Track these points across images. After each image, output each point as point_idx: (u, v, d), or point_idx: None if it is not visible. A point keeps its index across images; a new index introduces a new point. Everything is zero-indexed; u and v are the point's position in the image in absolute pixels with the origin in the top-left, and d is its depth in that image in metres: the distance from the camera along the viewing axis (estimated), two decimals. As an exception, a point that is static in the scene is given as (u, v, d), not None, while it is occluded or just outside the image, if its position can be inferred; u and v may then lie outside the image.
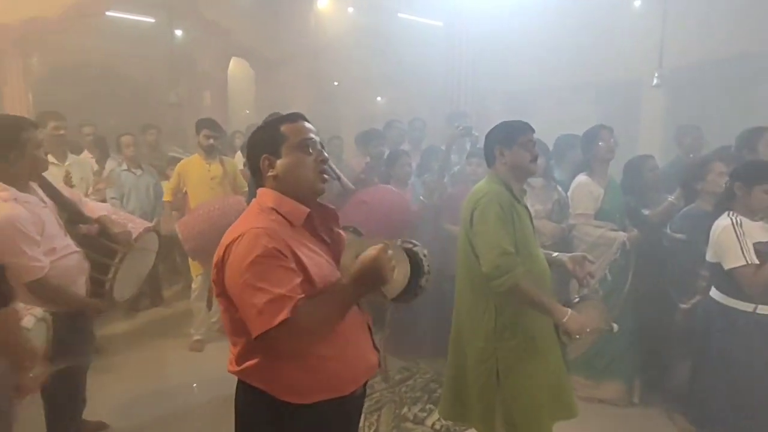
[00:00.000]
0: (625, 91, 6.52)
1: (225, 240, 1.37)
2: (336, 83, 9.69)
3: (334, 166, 3.46)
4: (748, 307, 2.38)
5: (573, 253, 2.26)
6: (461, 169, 4.02)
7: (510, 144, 2.16)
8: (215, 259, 1.38)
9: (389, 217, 3.33)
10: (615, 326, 2.03)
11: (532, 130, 2.20)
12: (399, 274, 1.41)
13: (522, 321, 2.10)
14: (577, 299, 2.13)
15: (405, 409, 3.23)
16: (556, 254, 2.30)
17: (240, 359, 1.41)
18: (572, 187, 3.34)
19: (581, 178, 3.29)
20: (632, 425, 3.09)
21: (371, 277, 1.32)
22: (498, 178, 2.19)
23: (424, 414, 3.18)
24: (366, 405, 2.57)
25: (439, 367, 3.54)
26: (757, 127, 3.19)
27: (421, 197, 3.67)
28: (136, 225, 2.61)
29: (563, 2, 5.91)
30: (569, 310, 1.97)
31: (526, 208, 2.24)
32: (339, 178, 3.47)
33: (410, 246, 1.51)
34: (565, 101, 6.68)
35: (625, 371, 3.22)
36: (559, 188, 3.56)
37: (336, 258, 1.50)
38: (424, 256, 1.52)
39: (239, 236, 1.31)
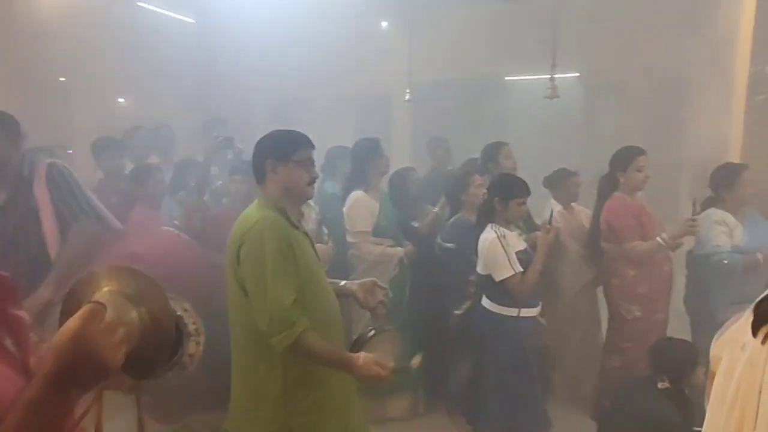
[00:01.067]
0: (379, 104, 6.82)
1: None
2: (62, 79, 7.88)
3: (91, 195, 2.42)
4: (513, 312, 2.51)
5: (362, 280, 2.01)
6: (223, 186, 3.48)
7: (284, 159, 1.78)
8: None
9: (175, 277, 2.52)
10: (415, 360, 1.83)
11: (312, 146, 1.86)
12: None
13: (316, 372, 1.74)
14: (372, 332, 1.87)
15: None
16: (343, 283, 2.01)
17: None
18: (348, 203, 3.15)
19: (357, 194, 3.12)
20: (419, 436, 3.06)
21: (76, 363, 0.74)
22: (269, 200, 1.79)
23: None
24: None
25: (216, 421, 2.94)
26: (496, 141, 3.49)
27: (175, 221, 2.97)
28: None
29: (319, 17, 5.82)
30: (361, 355, 1.68)
31: (306, 234, 1.89)
32: (98, 216, 2.38)
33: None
34: (326, 112, 6.67)
35: (409, 384, 3.17)
36: (316, 207, 3.29)
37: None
38: (185, 311, 1.04)
39: None
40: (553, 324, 3.13)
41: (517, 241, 2.54)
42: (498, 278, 2.44)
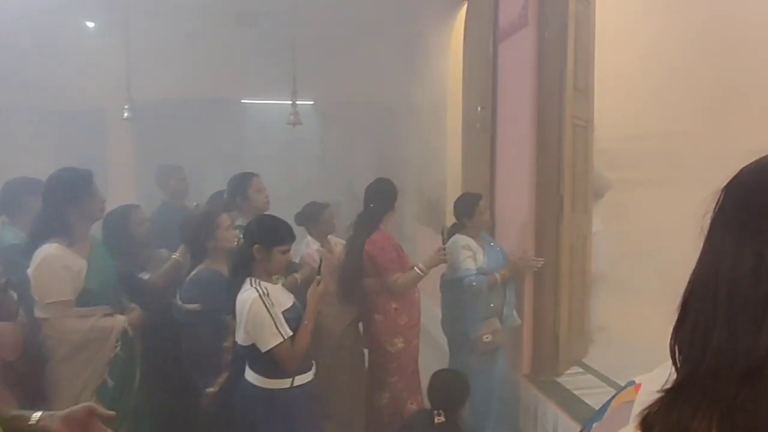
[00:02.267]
0: (89, 120, 5.41)
1: None
2: None
3: None
4: (286, 383, 1.99)
5: (69, 410, 1.17)
6: None
7: None
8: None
9: None
10: None
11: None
12: None
13: None
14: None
15: None
16: (36, 417, 1.14)
17: None
18: (34, 263, 2.12)
19: (49, 249, 2.12)
20: None
21: None
22: None
23: None
24: None
25: None
26: (246, 172, 2.95)
27: None
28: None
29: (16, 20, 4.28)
30: None
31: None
32: None
33: None
34: (16, 128, 4.97)
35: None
36: None
37: None
38: None
39: None
40: (320, 369, 2.75)
41: (283, 297, 2.04)
42: (264, 348, 1.89)
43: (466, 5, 4.04)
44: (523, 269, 2.99)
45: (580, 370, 3.15)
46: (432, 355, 3.37)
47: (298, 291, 2.45)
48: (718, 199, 0.62)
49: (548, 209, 3.01)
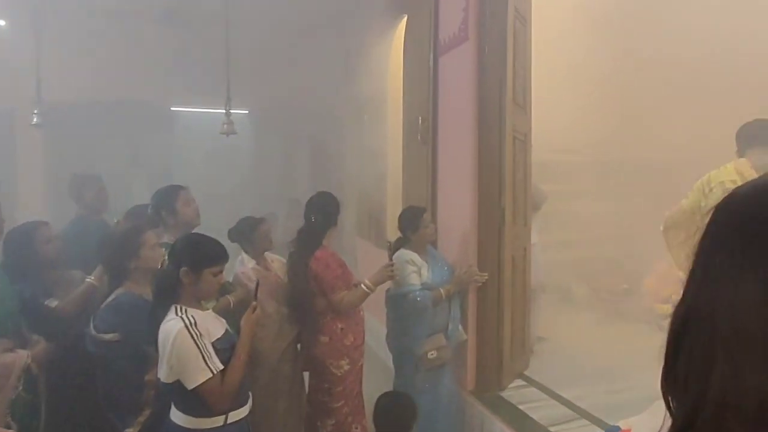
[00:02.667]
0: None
1: None
2: None
3: None
4: (218, 421, 1.76)
5: None
6: None
7: None
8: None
9: None
10: None
11: None
12: None
13: None
14: None
15: None
16: None
17: None
18: None
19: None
20: None
21: None
22: None
23: None
24: None
25: None
26: (173, 185, 2.68)
27: None
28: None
29: None
30: None
31: None
32: None
33: None
34: None
35: None
36: None
37: None
38: None
39: None
40: (256, 397, 2.53)
41: (213, 325, 1.81)
42: (191, 385, 1.66)
43: (406, 17, 3.99)
44: (468, 283, 2.94)
45: (523, 383, 3.13)
46: (375, 374, 3.23)
47: (232, 315, 2.23)
48: (710, 223, 0.55)
49: (490, 222, 2.98)
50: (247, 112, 6.10)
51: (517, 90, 3.09)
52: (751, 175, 2.32)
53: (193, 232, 2.26)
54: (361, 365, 2.84)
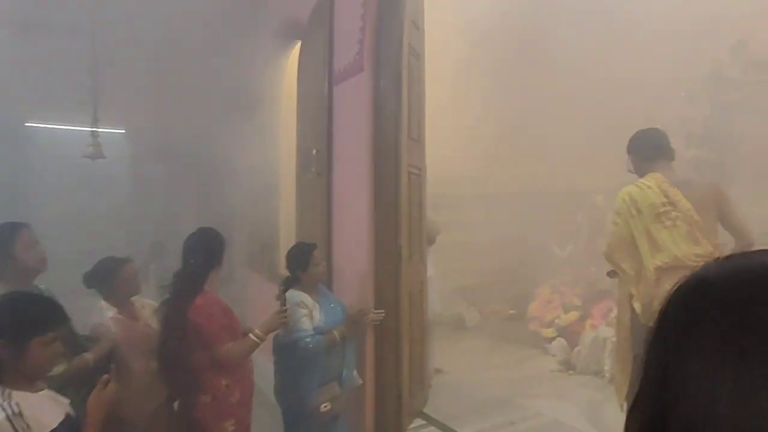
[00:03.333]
0: None
1: None
2: None
3: None
4: None
5: None
6: None
7: None
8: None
9: None
10: None
11: None
12: None
13: None
14: None
15: None
16: None
17: None
18: None
19: None
20: None
21: None
22: None
23: None
24: None
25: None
26: (10, 222, 2.17)
27: None
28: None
29: None
30: None
31: None
32: None
33: None
34: None
35: None
36: None
37: None
38: None
39: None
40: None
41: (47, 411, 1.40)
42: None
43: (300, 43, 3.81)
44: (364, 323, 2.75)
45: (422, 422, 3.01)
46: (266, 424, 2.89)
47: (92, 377, 1.80)
48: (664, 311, 0.50)
49: (387, 259, 2.86)
50: (123, 131, 5.45)
51: (413, 124, 3.04)
52: (671, 188, 2.30)
53: (17, 290, 1.80)
54: (249, 423, 2.50)
